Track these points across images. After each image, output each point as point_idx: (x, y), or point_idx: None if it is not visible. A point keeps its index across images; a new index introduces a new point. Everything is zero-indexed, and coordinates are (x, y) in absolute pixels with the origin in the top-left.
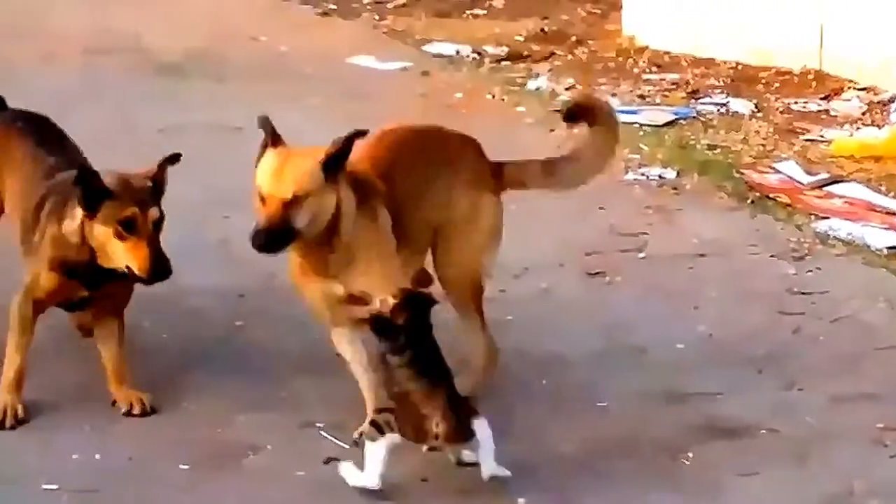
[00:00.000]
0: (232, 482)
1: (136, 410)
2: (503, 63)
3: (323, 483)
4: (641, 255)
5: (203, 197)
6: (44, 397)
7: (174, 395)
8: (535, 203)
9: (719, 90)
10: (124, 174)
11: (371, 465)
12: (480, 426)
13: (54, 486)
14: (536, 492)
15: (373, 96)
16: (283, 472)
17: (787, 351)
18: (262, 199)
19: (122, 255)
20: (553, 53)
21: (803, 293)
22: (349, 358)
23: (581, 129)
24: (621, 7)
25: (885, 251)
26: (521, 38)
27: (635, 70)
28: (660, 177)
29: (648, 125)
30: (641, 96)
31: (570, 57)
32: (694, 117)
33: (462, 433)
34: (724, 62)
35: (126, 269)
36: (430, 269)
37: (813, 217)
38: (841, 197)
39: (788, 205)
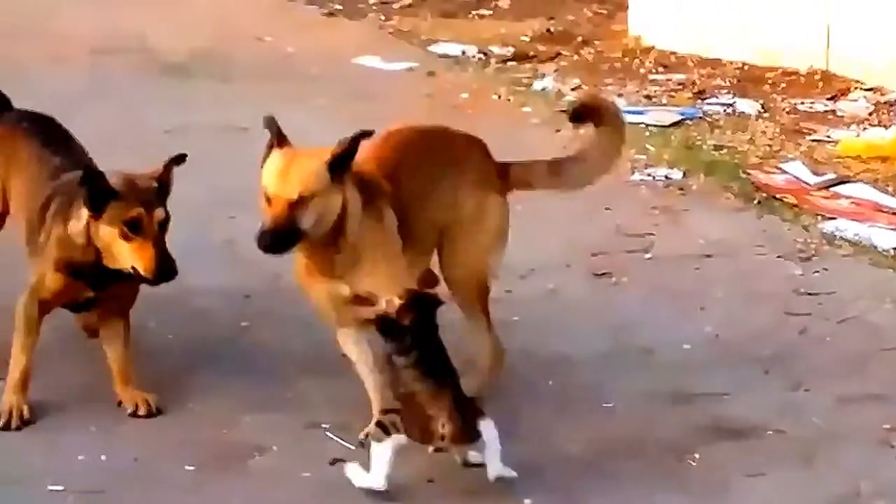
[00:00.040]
0: (237, 483)
1: (142, 411)
2: (509, 63)
3: (329, 484)
4: (648, 255)
5: (209, 197)
6: (49, 398)
7: (180, 395)
8: (542, 204)
9: (726, 90)
10: (130, 175)
11: (377, 466)
12: (486, 427)
13: (60, 487)
14: (542, 492)
15: (378, 97)
16: (289, 473)
17: (793, 352)
18: (268, 200)
19: (127, 255)
20: (559, 54)
21: (810, 294)
22: (355, 358)
23: (587, 130)
24: (627, 7)
25: (892, 252)
26: (527, 39)
27: (641, 70)
28: (666, 177)
29: (655, 126)
30: (647, 97)
31: (576, 57)
32: (700, 118)
33: (468, 434)
34: (731, 62)
35: (132, 270)
36: (437, 271)
37: (820, 218)
38: (848, 197)
39: (795, 205)
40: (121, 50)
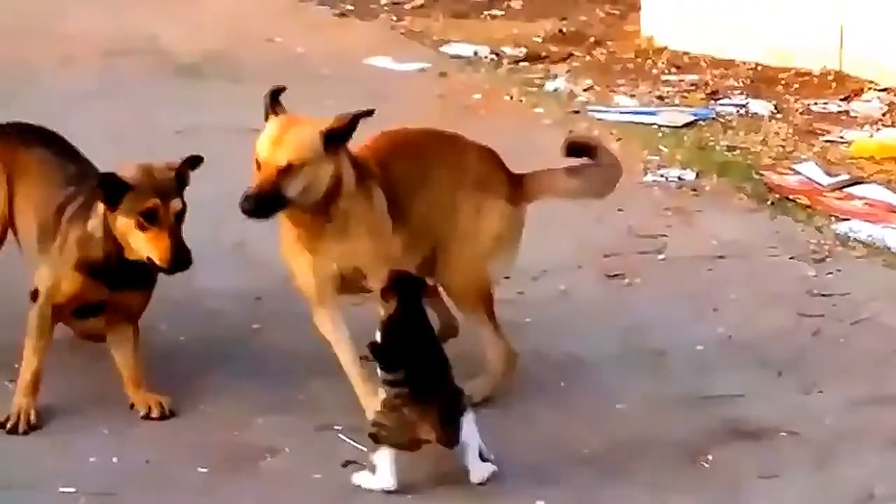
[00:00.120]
0: (249, 485)
1: (155, 413)
2: (521, 64)
3: (341, 486)
4: (661, 256)
5: (220, 199)
6: (61, 401)
7: (191, 397)
8: (554, 205)
9: (739, 91)
10: (147, 165)
11: (381, 468)
12: (467, 424)
13: (72, 490)
14: (555, 494)
15: (390, 97)
16: (301, 475)
17: (807, 353)
18: (258, 165)
19: (143, 246)
20: (571, 54)
21: (823, 295)
22: (333, 339)
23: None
24: (640, 8)
25: None
26: (540, 39)
27: (654, 71)
28: (679, 178)
29: (667, 126)
30: (660, 97)
31: (588, 58)
32: (713, 118)
33: (453, 438)
34: (744, 63)
35: (147, 260)
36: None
37: (833, 219)
38: (861, 198)
39: (808, 206)
40: (132, 51)
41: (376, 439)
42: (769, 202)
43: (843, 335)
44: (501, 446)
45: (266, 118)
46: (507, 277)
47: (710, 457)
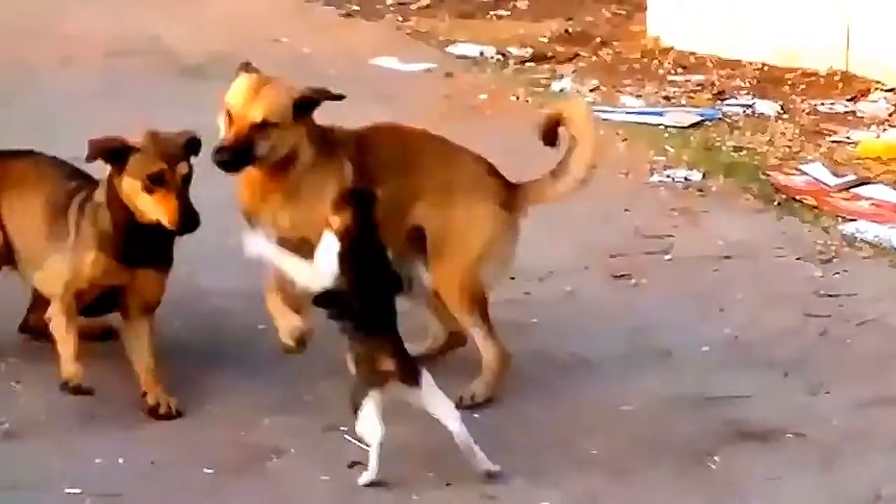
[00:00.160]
0: (255, 486)
1: (163, 409)
2: (527, 64)
3: (347, 487)
4: (667, 257)
5: (226, 199)
6: (66, 401)
7: (197, 398)
8: (560, 206)
9: (745, 91)
10: (154, 130)
11: (368, 420)
12: (426, 375)
13: (77, 491)
14: (561, 495)
15: (396, 97)
16: (307, 476)
17: (813, 354)
18: (230, 118)
19: (151, 208)
20: (577, 55)
21: (830, 296)
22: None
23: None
24: (646, 8)
25: None
26: (546, 40)
27: (660, 71)
28: (685, 179)
29: (674, 127)
30: (666, 98)
31: (594, 58)
32: (720, 119)
33: (412, 374)
34: (750, 63)
35: (156, 223)
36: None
37: (840, 219)
38: (868, 199)
39: (815, 207)
40: (136, 51)
41: (355, 398)
42: (776, 203)
43: (850, 336)
44: (506, 447)
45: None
46: (512, 278)
47: (716, 458)
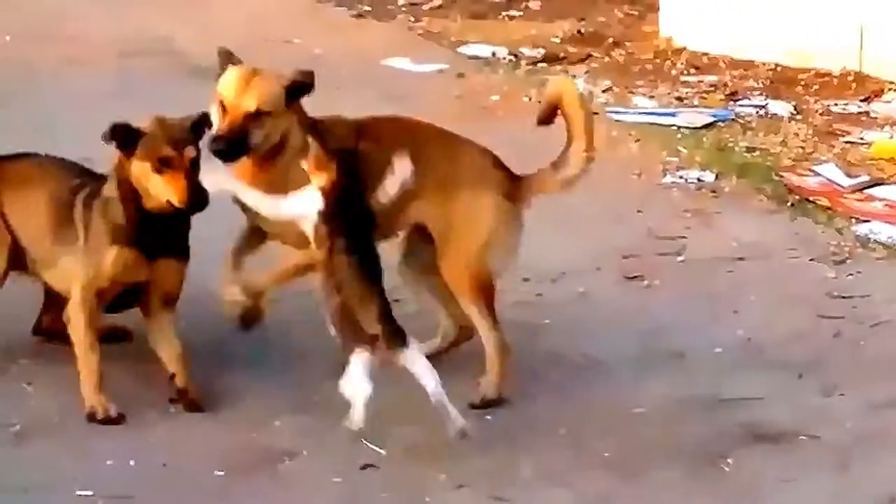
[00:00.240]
0: (267, 488)
1: (193, 395)
2: (539, 65)
3: (360, 489)
4: (680, 258)
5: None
6: (78, 403)
7: (209, 399)
8: (573, 207)
9: (758, 92)
10: (161, 116)
11: (356, 376)
12: (412, 343)
13: (89, 493)
14: (574, 497)
15: (408, 98)
16: (319, 479)
17: (827, 355)
18: (224, 109)
19: (161, 188)
20: (590, 55)
21: (844, 297)
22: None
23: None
24: (658, 8)
25: None
26: (558, 40)
27: (673, 72)
28: (698, 179)
29: (686, 127)
30: (679, 98)
31: (607, 59)
32: (732, 119)
33: (397, 337)
34: (763, 64)
35: (167, 204)
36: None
37: (853, 220)
38: (881, 200)
39: (828, 208)
40: (147, 52)
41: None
42: (789, 203)
43: (864, 337)
44: (518, 448)
45: (221, 69)
46: (525, 280)
47: (729, 460)
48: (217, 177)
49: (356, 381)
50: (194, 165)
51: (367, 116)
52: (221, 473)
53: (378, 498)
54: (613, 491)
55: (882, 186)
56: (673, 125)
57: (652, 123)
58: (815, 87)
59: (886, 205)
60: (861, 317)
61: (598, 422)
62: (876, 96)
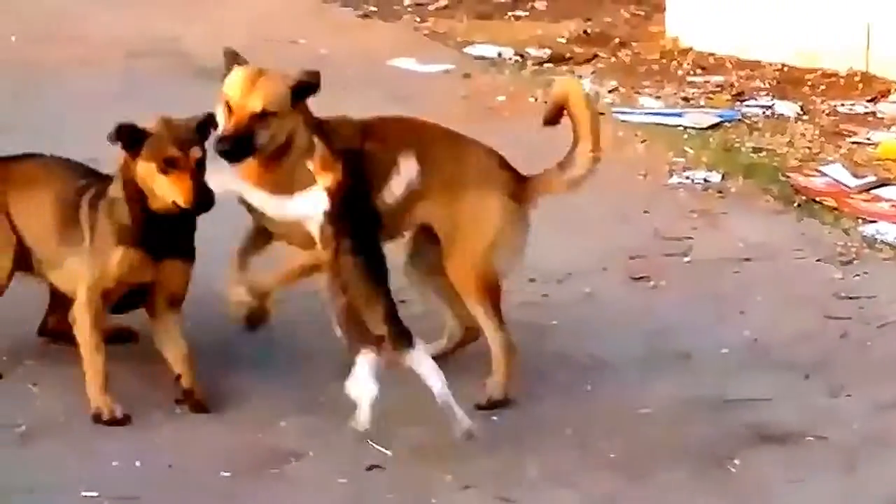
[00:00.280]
0: (273, 489)
1: (198, 395)
2: (546, 65)
3: (366, 491)
4: (686, 259)
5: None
6: (84, 404)
7: (215, 400)
8: (579, 207)
9: (764, 92)
10: (167, 116)
11: (361, 376)
12: (419, 343)
13: (94, 494)
14: (580, 498)
15: (414, 98)
16: (325, 480)
17: (834, 356)
18: (230, 109)
19: (166, 189)
20: (596, 56)
21: (850, 297)
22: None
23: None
24: (665, 9)
25: None
26: (564, 40)
27: (679, 72)
28: (705, 180)
29: (693, 128)
30: (686, 99)
31: (613, 59)
32: (739, 120)
33: (403, 338)
34: (770, 64)
35: (172, 204)
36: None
37: (860, 221)
38: (888, 200)
39: (835, 208)
40: (155, 53)
41: (350, 349)
42: (795, 204)
43: (871, 338)
44: (524, 449)
45: (227, 70)
46: (531, 280)
47: (736, 461)
48: (223, 177)
49: (362, 381)
50: (200, 166)
51: (373, 117)
52: (227, 474)
53: (384, 499)
54: (620, 492)
55: (889, 187)
56: (679, 126)
57: (658, 124)
58: (822, 87)
59: (893, 205)
60: (868, 317)
61: (605, 422)
62: (883, 97)
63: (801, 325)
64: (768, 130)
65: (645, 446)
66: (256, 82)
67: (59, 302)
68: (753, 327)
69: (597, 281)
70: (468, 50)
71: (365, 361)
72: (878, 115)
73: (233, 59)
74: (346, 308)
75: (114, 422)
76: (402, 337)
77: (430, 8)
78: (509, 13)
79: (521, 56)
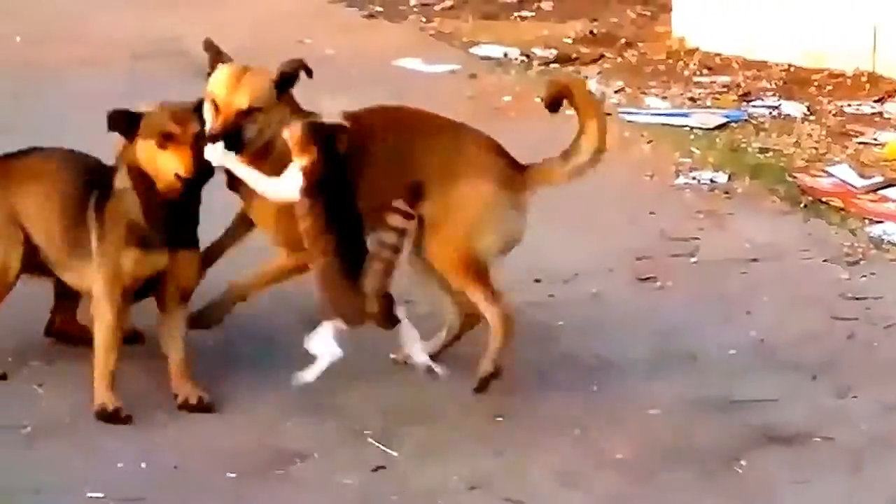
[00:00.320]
0: (279, 490)
1: (193, 401)
2: (552, 65)
3: (371, 492)
4: (693, 259)
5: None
6: (89, 405)
7: (220, 401)
8: (585, 208)
9: (771, 93)
10: (161, 102)
11: (326, 339)
12: (401, 313)
13: (100, 495)
14: (586, 499)
15: (420, 99)
16: (331, 481)
17: (841, 357)
18: (216, 108)
19: (167, 162)
20: (602, 56)
21: (857, 298)
22: None
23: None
24: (671, 9)
25: None
26: (570, 41)
27: (686, 73)
28: (711, 181)
29: (699, 128)
30: (692, 99)
31: (619, 59)
32: (745, 120)
33: (391, 317)
34: (776, 64)
35: (175, 177)
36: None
37: (867, 221)
38: (895, 201)
39: (842, 209)
40: (160, 53)
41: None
42: (802, 205)
43: (878, 339)
44: (531, 449)
45: (211, 69)
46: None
47: (743, 462)
48: (216, 153)
49: (327, 343)
50: (198, 140)
51: (363, 109)
52: (233, 475)
53: (389, 500)
54: (626, 492)
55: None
56: (686, 126)
57: (664, 124)
58: (829, 87)
59: None
60: (875, 318)
61: (611, 423)
62: (889, 97)
63: (808, 326)
64: (775, 131)
65: (651, 447)
66: (241, 79)
67: (65, 302)
68: (760, 328)
69: (603, 281)
70: (474, 50)
71: (334, 326)
72: (885, 115)
73: (216, 55)
74: (324, 270)
75: (116, 418)
76: (389, 315)
77: (436, 8)
78: (515, 13)
79: (527, 56)
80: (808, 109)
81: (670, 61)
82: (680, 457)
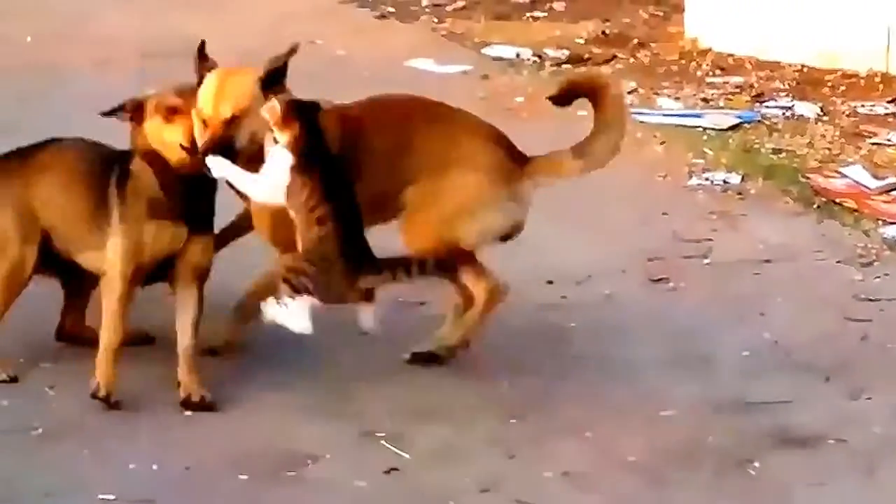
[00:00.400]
0: (291, 492)
1: (196, 398)
2: (564, 66)
3: (384, 494)
4: (706, 261)
5: None
6: (100, 407)
7: (231, 403)
8: (598, 209)
9: (784, 93)
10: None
11: (301, 314)
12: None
13: (111, 496)
14: (599, 500)
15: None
16: (343, 483)
17: (854, 358)
18: (204, 123)
19: (174, 133)
20: (615, 56)
21: (871, 299)
22: None
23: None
24: (684, 9)
25: None
26: (582, 41)
27: (698, 73)
28: (724, 182)
29: (712, 129)
30: (705, 100)
31: (632, 60)
32: (758, 121)
33: (372, 294)
34: (790, 65)
35: (182, 149)
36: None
37: (880, 222)
38: None
39: (855, 210)
40: (171, 53)
41: (296, 290)
42: (815, 206)
43: (891, 340)
44: (544, 451)
45: (198, 75)
46: (549, 282)
47: (756, 463)
48: (215, 165)
49: (298, 316)
50: None
51: (355, 103)
52: (244, 477)
53: (401, 502)
54: (639, 494)
55: None
56: (698, 127)
57: (677, 125)
58: (842, 88)
59: None
60: (889, 319)
61: (624, 425)
62: None
63: (822, 327)
64: (788, 131)
65: (664, 448)
66: (223, 88)
67: (75, 304)
68: (773, 329)
69: (616, 283)
70: (486, 51)
71: (309, 302)
72: None
73: (202, 63)
74: (318, 241)
75: (107, 401)
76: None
77: (448, 9)
78: (527, 14)
79: (540, 57)
80: (822, 110)
81: (683, 62)
82: (693, 459)
